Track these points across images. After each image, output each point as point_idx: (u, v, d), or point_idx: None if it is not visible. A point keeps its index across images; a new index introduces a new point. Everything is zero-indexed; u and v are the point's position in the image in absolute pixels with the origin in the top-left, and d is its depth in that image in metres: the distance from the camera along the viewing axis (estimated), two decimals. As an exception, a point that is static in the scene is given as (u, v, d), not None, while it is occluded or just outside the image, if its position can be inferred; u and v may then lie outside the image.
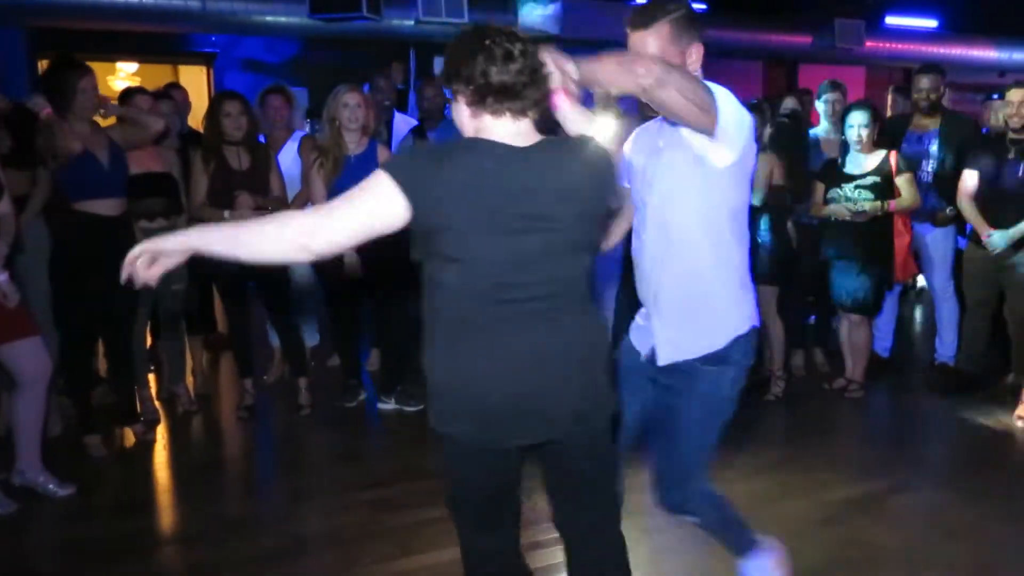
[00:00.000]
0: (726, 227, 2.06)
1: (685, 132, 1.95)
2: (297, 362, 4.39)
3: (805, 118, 5.08)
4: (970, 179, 4.28)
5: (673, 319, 2.13)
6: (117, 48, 8.12)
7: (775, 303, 4.38)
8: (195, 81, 8.73)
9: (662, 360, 2.16)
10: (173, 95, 4.49)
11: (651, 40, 1.96)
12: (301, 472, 3.77)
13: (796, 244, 4.45)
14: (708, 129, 1.87)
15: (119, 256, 3.63)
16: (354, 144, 4.04)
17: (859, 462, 3.78)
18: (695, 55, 2.02)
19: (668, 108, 1.81)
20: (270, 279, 4.19)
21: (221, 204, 3.94)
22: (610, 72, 1.78)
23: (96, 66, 3.76)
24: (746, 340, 2.12)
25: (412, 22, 7.15)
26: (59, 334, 3.70)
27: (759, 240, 4.30)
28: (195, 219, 4.17)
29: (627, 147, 2.25)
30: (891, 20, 9.72)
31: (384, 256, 4.13)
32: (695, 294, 2.09)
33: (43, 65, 5.11)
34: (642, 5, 2.03)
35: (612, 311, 4.15)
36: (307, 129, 6.00)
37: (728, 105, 1.88)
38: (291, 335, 4.37)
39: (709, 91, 1.84)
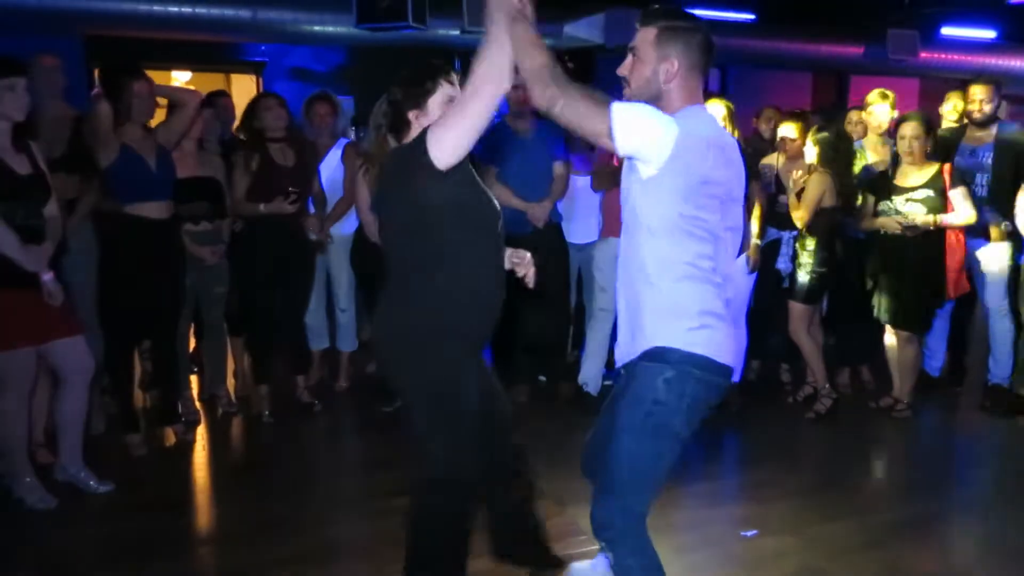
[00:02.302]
0: (667, 232, 2.06)
1: None
2: (304, 363, 4.54)
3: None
4: (1028, 193, 4.13)
5: (624, 318, 2.20)
6: (171, 57, 8.31)
7: (807, 321, 4.28)
8: (245, 89, 8.90)
9: (617, 361, 2.22)
10: (216, 103, 4.57)
11: (641, 37, 2.12)
12: (336, 476, 3.78)
13: (842, 257, 4.35)
14: (609, 148, 2.02)
15: (166, 259, 3.77)
16: None
17: (904, 484, 3.66)
18: (663, 70, 2.08)
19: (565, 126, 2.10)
20: (299, 287, 4.27)
21: (264, 199, 4.02)
22: (524, 71, 2.06)
23: (150, 74, 3.85)
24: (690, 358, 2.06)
25: (458, 32, 7.18)
26: (104, 334, 3.78)
27: (802, 261, 4.23)
28: (236, 214, 4.24)
29: None
30: (947, 31, 9.47)
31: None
32: (637, 293, 2.13)
33: (97, 73, 5.26)
34: (652, 7, 2.17)
35: None
36: (352, 137, 6.06)
37: (633, 128, 1.98)
38: (300, 337, 4.48)
39: (604, 118, 1.96)
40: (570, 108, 1.99)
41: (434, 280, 2.24)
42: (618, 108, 1.99)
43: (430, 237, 2.22)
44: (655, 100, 2.07)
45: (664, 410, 2.05)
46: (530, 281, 2.51)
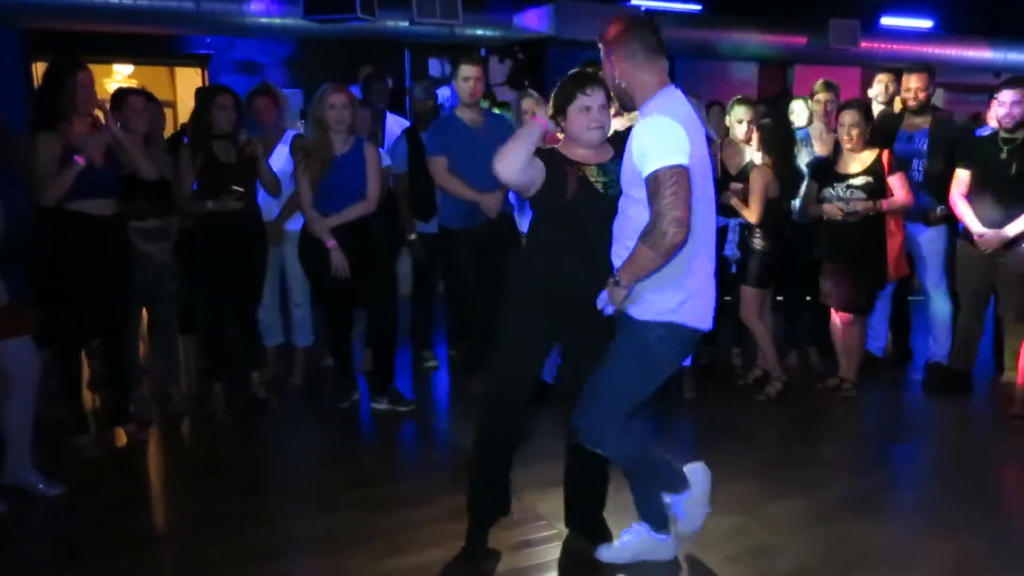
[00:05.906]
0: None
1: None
2: (259, 359, 4.50)
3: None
4: (962, 178, 4.28)
5: None
6: (113, 50, 8.13)
7: (758, 306, 4.39)
8: (190, 83, 8.75)
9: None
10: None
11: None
12: (292, 472, 3.76)
13: (790, 243, 4.46)
14: None
15: (112, 256, 3.69)
16: (340, 144, 4.04)
17: (851, 461, 3.78)
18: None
19: None
20: (251, 283, 4.22)
21: (209, 196, 3.96)
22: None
23: (92, 68, 3.75)
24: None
25: (407, 23, 7.15)
26: (50, 334, 3.68)
27: (753, 246, 4.32)
28: (181, 211, 4.16)
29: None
30: (886, 20, 9.73)
31: (370, 258, 4.15)
32: None
33: (38, 69, 5.10)
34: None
35: None
36: (301, 129, 6.00)
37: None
38: (254, 334, 4.40)
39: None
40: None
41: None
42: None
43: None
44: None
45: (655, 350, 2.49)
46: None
